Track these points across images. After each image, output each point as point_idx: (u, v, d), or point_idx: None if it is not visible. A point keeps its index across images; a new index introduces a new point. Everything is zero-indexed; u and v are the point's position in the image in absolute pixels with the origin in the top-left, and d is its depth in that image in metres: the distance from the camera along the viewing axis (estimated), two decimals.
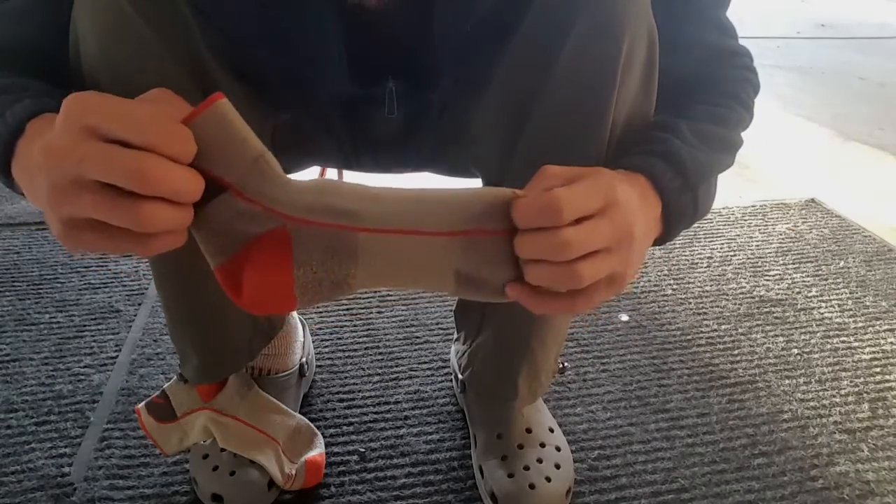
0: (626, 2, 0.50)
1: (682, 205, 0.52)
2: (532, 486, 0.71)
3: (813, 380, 0.96)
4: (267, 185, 0.43)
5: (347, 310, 1.07)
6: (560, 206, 0.41)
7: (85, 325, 1.01)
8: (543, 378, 0.75)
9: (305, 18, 0.56)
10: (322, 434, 0.80)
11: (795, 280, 1.20)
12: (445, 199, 0.44)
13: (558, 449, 0.77)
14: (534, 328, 0.69)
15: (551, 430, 0.79)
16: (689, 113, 0.56)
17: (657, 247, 0.55)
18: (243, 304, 0.45)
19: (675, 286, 1.17)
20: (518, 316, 0.69)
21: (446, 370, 0.95)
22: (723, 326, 1.07)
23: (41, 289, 1.09)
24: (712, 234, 1.34)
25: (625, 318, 1.08)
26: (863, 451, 0.84)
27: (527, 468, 0.73)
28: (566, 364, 0.95)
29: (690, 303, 1.13)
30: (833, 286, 1.19)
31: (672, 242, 1.29)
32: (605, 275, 0.44)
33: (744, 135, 0.61)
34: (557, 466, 0.74)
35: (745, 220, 1.40)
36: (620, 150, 0.54)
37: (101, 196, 0.38)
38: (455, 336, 0.91)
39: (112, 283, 1.11)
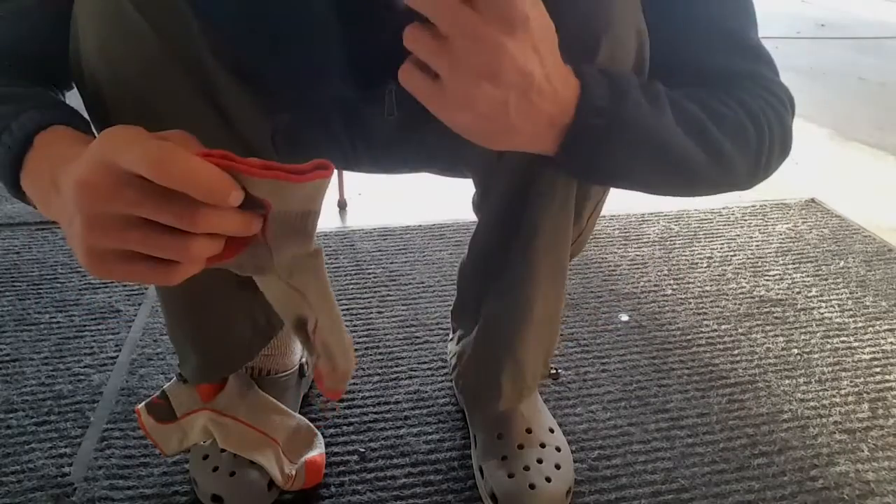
0: (610, 1, 0.49)
1: (595, 127, 0.46)
2: (532, 487, 0.71)
3: (813, 380, 0.96)
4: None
5: (347, 310, 1.07)
6: None
7: (85, 325, 1.01)
8: (529, 379, 0.74)
9: (308, 22, 0.56)
10: (322, 434, 0.80)
11: (795, 280, 1.20)
12: None
13: (558, 449, 0.77)
14: (517, 326, 0.68)
15: (551, 431, 0.79)
16: (681, 90, 0.52)
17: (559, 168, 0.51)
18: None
19: (675, 286, 1.17)
20: (503, 315, 0.69)
21: (446, 370, 0.95)
22: (723, 326, 1.07)
23: (41, 289, 1.09)
24: (712, 234, 1.34)
25: (625, 318, 1.08)
26: (863, 451, 0.84)
27: (527, 468, 0.73)
28: (560, 370, 0.95)
29: (690, 303, 1.13)
30: (833, 286, 1.19)
31: (672, 242, 1.29)
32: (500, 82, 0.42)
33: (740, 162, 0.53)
34: (557, 467, 0.74)
35: (745, 220, 1.40)
36: None
37: (147, 233, 0.38)
38: (450, 336, 0.91)
39: (112, 282, 1.11)
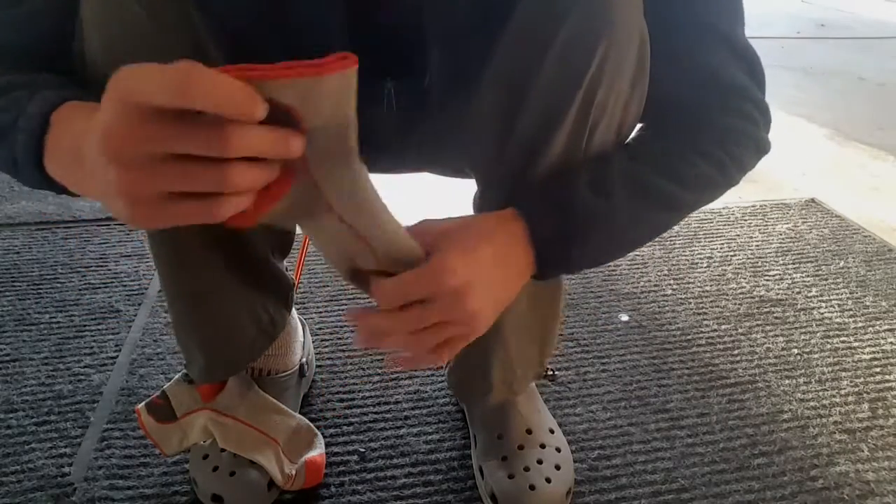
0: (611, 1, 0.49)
1: (556, 255, 0.54)
2: (532, 487, 0.71)
3: (813, 380, 0.96)
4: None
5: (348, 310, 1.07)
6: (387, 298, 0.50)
7: (85, 325, 1.01)
8: (519, 371, 0.74)
9: (311, 17, 0.56)
10: (322, 434, 0.80)
11: (795, 280, 1.20)
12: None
13: (558, 450, 0.77)
14: (501, 320, 0.68)
15: (551, 431, 0.79)
16: (646, 156, 0.56)
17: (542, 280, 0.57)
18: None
19: (675, 286, 1.17)
20: None
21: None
22: (723, 326, 1.07)
23: (41, 289, 1.09)
24: (712, 234, 1.34)
25: (625, 318, 1.08)
26: (863, 451, 0.84)
27: (527, 469, 0.73)
28: (556, 371, 0.95)
29: (690, 303, 1.13)
30: (833, 286, 1.19)
31: (672, 242, 1.30)
32: (444, 339, 0.51)
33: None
34: (557, 467, 0.74)
35: (745, 220, 1.40)
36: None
37: (182, 167, 0.36)
38: None
39: (112, 283, 1.11)
